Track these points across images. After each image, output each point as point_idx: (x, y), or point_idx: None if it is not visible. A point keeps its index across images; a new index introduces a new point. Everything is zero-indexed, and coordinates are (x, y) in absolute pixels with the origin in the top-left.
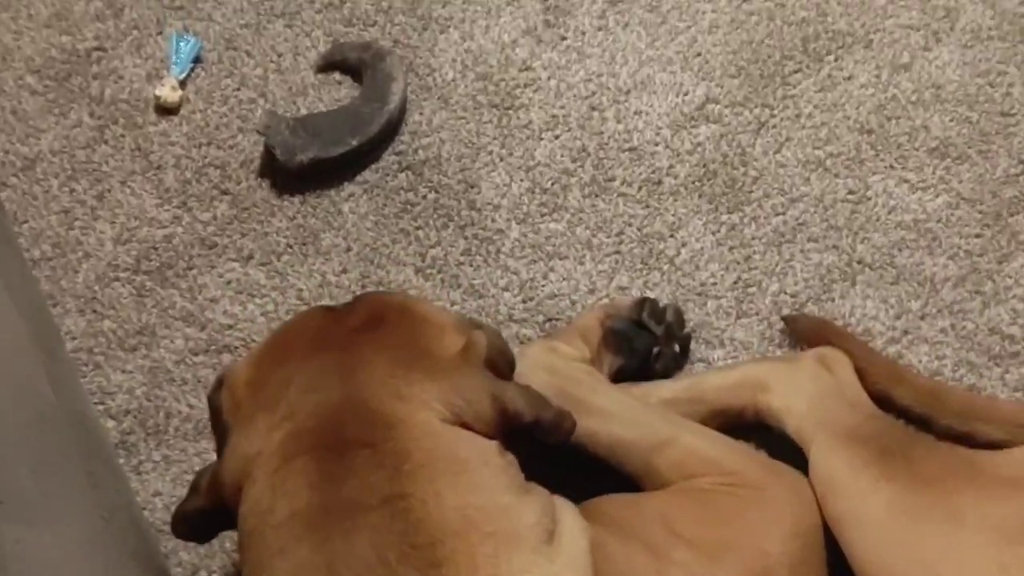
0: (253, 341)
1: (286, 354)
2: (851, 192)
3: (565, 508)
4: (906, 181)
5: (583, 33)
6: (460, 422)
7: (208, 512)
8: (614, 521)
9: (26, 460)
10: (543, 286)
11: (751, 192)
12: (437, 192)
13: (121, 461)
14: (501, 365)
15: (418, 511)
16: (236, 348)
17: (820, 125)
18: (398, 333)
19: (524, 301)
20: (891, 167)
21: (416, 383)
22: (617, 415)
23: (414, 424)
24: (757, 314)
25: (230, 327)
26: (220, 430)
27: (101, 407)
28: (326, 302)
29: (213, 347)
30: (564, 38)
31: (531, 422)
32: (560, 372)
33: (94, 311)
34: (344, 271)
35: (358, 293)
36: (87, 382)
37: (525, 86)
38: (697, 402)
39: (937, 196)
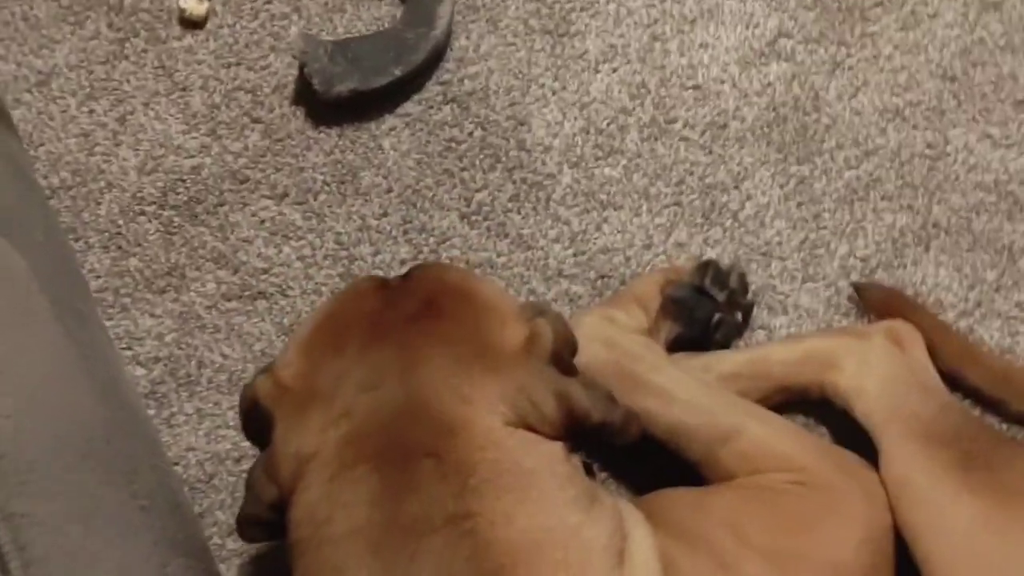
0: (289, 288)
1: (338, 343)
2: (930, 146)
3: (632, 519)
4: (989, 136)
5: None
6: (524, 424)
7: (277, 507)
8: (679, 527)
9: (76, 498)
10: (596, 239)
11: (823, 142)
12: (484, 129)
13: (152, 413)
14: (566, 356)
15: (485, 533)
16: (272, 295)
17: (900, 69)
18: (458, 324)
19: (575, 255)
20: (974, 120)
21: (479, 384)
22: (679, 398)
23: (478, 431)
24: (824, 279)
25: (265, 271)
26: (257, 419)
27: (129, 353)
28: (366, 248)
29: (247, 293)
30: None
31: (598, 424)
32: (618, 346)
33: (119, 247)
34: (385, 214)
35: (406, 250)
36: (113, 325)
37: (581, 10)
38: (761, 378)
39: (1021, 155)
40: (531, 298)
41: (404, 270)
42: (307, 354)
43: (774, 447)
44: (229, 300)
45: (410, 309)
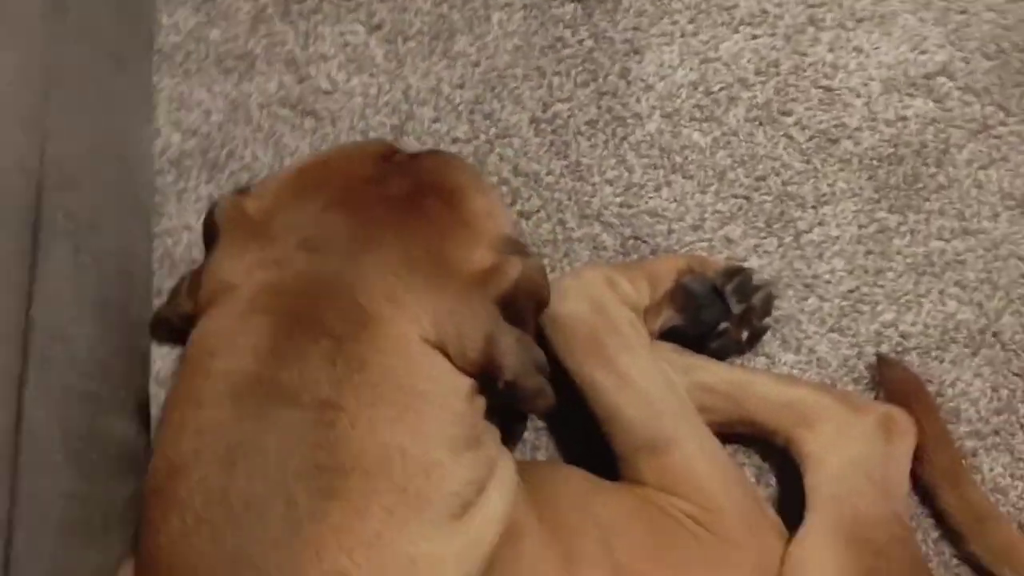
0: (340, 118)
1: (309, 193)
2: None
3: (503, 481)
4: None
5: None
6: (442, 349)
7: (188, 320)
8: (552, 508)
9: None
10: (650, 197)
11: (926, 200)
12: (596, 42)
13: (168, 180)
14: (523, 305)
15: (343, 431)
16: (322, 118)
17: None
18: (428, 226)
19: (622, 205)
20: None
21: (416, 291)
22: (634, 386)
23: (390, 334)
24: (853, 336)
25: (327, 93)
26: (210, 234)
27: (174, 116)
28: (428, 111)
29: (301, 106)
30: None
31: (508, 382)
32: (604, 312)
33: (207, 15)
34: (461, 86)
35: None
36: (172, 85)
37: None
38: (734, 402)
39: None
40: (558, 229)
41: (453, 148)
42: (278, 192)
43: (699, 477)
44: (283, 106)
45: (394, 191)
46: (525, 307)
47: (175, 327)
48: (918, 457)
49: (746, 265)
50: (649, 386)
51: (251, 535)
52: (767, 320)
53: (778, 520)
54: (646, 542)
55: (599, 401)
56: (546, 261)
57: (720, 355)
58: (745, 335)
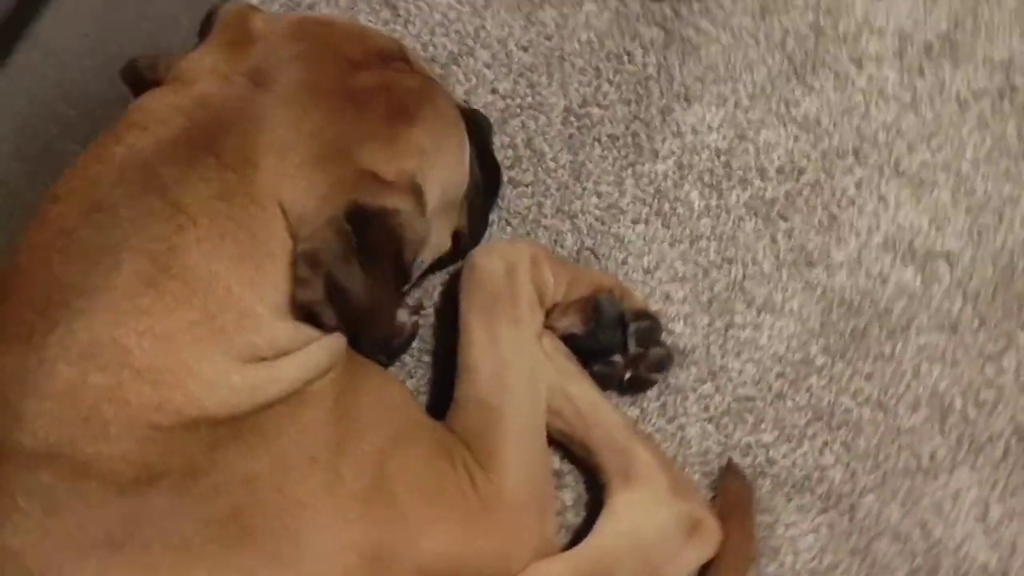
0: (412, 22)
1: (297, 41)
2: (932, 457)
3: (304, 358)
4: (985, 491)
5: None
6: (295, 226)
7: (150, 85)
8: (350, 406)
9: None
10: (624, 226)
11: (862, 360)
12: (658, 72)
13: None
14: (378, 241)
15: (186, 242)
16: (399, 15)
17: (998, 386)
18: (358, 124)
19: (597, 219)
20: (972, 467)
21: (307, 166)
22: (498, 354)
23: (267, 190)
24: (726, 436)
25: None
26: (206, 26)
27: None
28: (487, 56)
29: None
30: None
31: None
32: (513, 282)
33: None
34: (525, 49)
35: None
36: None
37: (835, 75)
38: (583, 425)
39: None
40: (534, 209)
41: (489, 97)
42: (280, 25)
43: (502, 453)
44: None
45: (356, 81)
46: (379, 245)
47: (138, 82)
48: (711, 566)
49: (663, 320)
50: (512, 361)
51: (73, 274)
52: (655, 376)
53: (554, 539)
54: (418, 474)
55: (465, 348)
56: (509, 230)
57: (599, 381)
58: (628, 376)
